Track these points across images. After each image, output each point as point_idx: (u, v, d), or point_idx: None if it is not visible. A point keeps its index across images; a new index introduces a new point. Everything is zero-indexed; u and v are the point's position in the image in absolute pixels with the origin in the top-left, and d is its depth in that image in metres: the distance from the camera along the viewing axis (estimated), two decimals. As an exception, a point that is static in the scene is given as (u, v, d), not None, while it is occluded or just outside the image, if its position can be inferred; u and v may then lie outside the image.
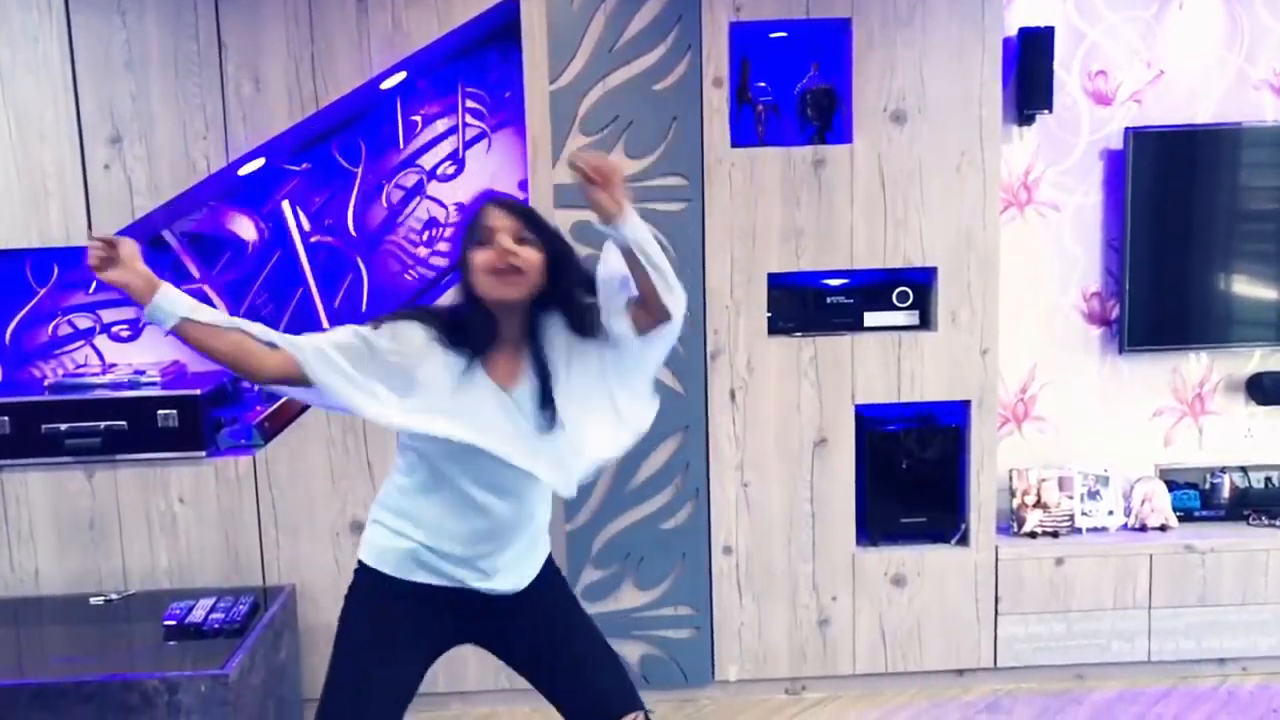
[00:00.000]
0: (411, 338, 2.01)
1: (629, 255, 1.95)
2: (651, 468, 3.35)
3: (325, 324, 3.65)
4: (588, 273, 2.07)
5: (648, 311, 2.01)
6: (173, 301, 2.00)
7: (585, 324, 2.07)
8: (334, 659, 2.15)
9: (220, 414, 3.43)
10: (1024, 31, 3.47)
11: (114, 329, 3.65)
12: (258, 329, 2.02)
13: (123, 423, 3.25)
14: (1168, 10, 3.58)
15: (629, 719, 2.14)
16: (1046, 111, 3.52)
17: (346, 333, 2.01)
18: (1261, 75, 3.62)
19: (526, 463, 2.01)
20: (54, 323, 3.63)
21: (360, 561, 2.20)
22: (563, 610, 2.23)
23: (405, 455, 2.13)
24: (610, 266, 2.03)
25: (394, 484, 2.16)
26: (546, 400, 2.04)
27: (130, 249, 2.01)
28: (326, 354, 1.97)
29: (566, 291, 2.05)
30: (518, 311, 2.04)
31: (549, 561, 2.26)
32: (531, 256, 1.99)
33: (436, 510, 2.08)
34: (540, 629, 2.19)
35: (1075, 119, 3.62)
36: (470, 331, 2.03)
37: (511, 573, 2.14)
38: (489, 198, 2.06)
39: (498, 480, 2.04)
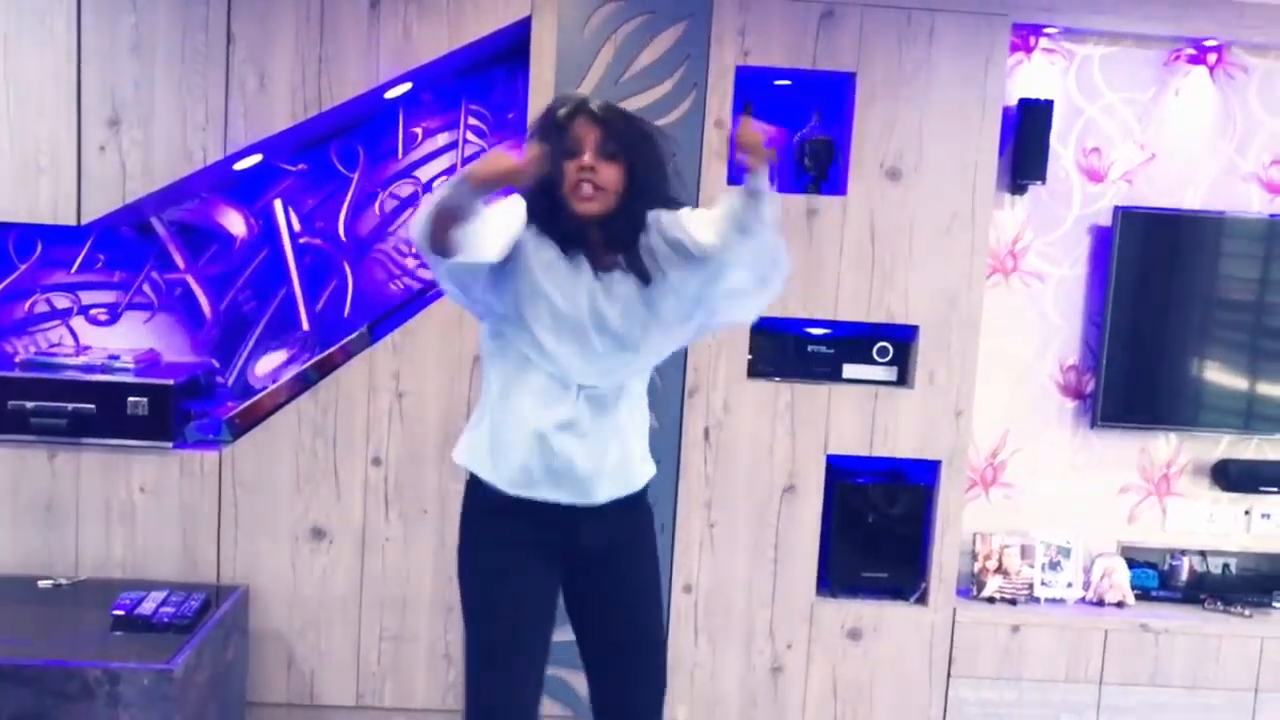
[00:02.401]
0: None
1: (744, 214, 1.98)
2: (619, 499, 3.34)
3: (305, 325, 3.63)
4: (664, 191, 2.09)
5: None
6: None
7: (661, 237, 2.07)
8: (470, 590, 2.18)
9: (191, 406, 3.40)
10: (1024, 102, 3.52)
11: (92, 311, 3.62)
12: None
13: (91, 406, 3.22)
14: (1164, 95, 3.65)
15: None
16: (1039, 182, 3.57)
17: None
18: (1250, 168, 3.68)
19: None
20: (31, 299, 3.60)
21: (472, 476, 2.18)
22: (636, 579, 2.24)
23: (492, 359, 2.16)
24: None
25: (486, 408, 2.17)
26: (644, 286, 2.07)
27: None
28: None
29: (644, 201, 2.06)
30: (599, 221, 2.04)
31: (647, 512, 2.27)
32: (611, 174, 2.01)
33: (530, 398, 2.09)
34: (611, 597, 2.21)
35: (1067, 192, 3.67)
36: (563, 230, 2.05)
37: (606, 481, 2.13)
38: (581, 104, 2.04)
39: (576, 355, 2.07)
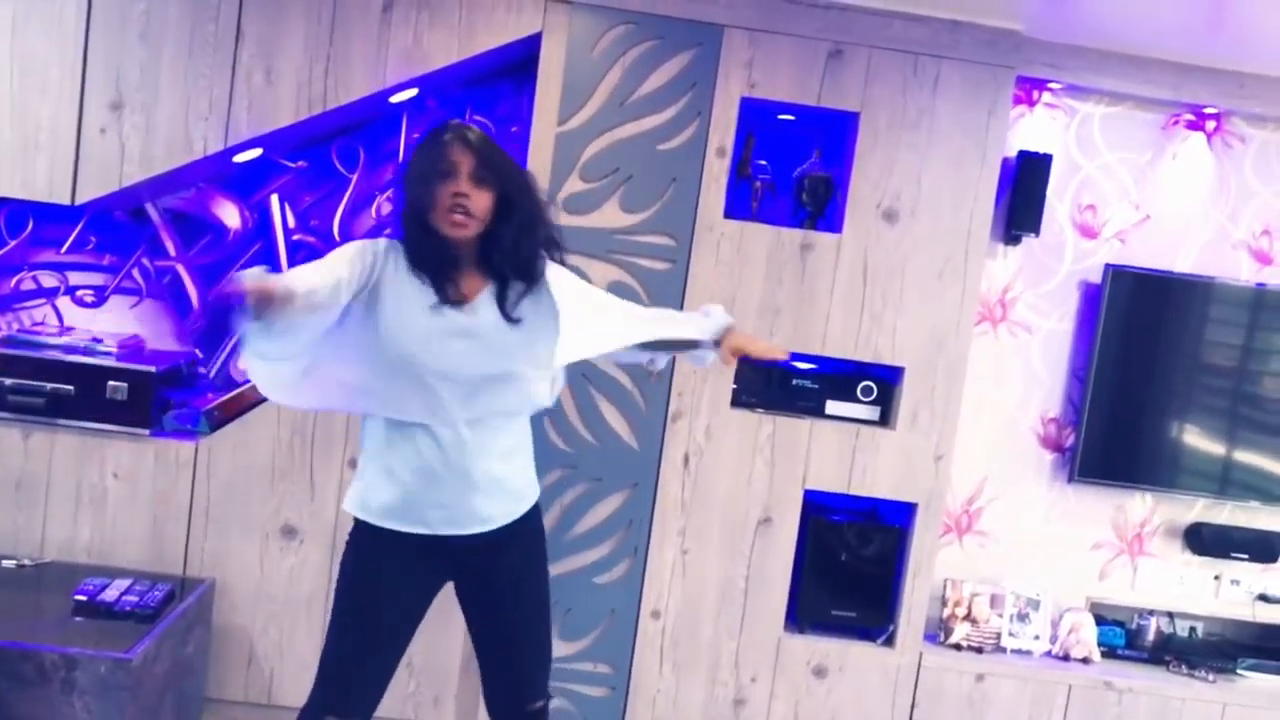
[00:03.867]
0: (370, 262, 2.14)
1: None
2: (594, 520, 3.33)
3: (293, 323, 3.62)
4: (538, 217, 2.18)
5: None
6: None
7: (527, 268, 2.18)
8: (337, 594, 2.29)
9: (171, 395, 3.38)
10: (1023, 154, 3.55)
11: (79, 293, 3.60)
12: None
13: (70, 387, 3.20)
14: (1162, 158, 3.69)
15: (537, 704, 2.34)
16: (1033, 235, 3.59)
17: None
18: (1241, 236, 3.72)
19: (494, 364, 2.15)
20: (18, 276, 3.58)
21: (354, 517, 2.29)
22: (527, 582, 2.35)
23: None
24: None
25: (365, 438, 2.28)
26: (502, 303, 2.17)
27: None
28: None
29: (514, 231, 2.14)
30: (471, 245, 2.14)
31: (534, 520, 2.36)
32: (483, 200, 2.09)
33: (399, 448, 2.18)
34: (498, 591, 2.30)
35: (1060, 247, 3.70)
36: (429, 259, 2.13)
37: (478, 515, 2.23)
38: (452, 128, 2.12)
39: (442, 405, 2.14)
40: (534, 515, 2.36)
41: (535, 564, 2.38)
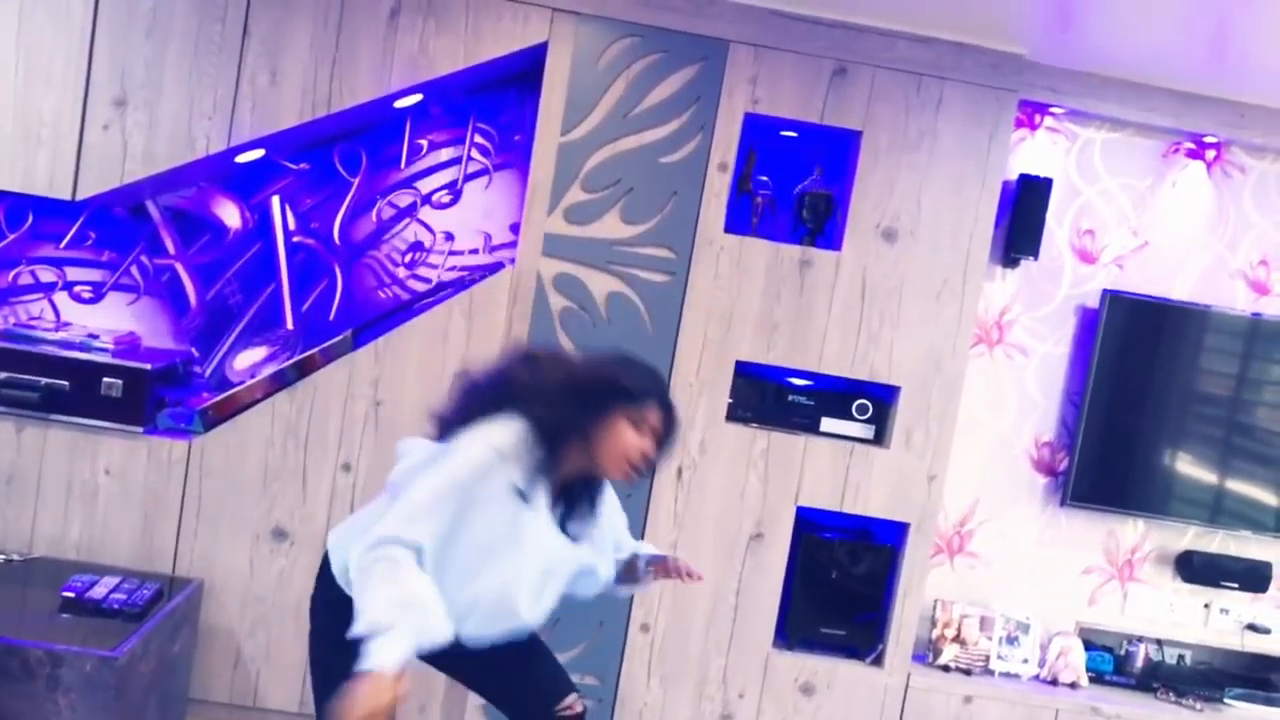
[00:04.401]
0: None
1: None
2: (585, 530, 3.32)
3: (289, 324, 3.62)
4: None
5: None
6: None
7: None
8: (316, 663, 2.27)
9: (166, 393, 3.37)
10: (1024, 178, 3.56)
11: (76, 288, 3.59)
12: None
13: (65, 383, 3.19)
14: (1161, 186, 3.71)
15: (567, 700, 2.28)
16: (1032, 258, 3.60)
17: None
18: (1239, 265, 3.73)
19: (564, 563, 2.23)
20: (16, 270, 3.57)
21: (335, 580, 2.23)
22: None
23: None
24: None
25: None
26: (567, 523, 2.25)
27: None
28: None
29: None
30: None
31: None
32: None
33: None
34: (489, 652, 2.24)
35: (1058, 271, 3.71)
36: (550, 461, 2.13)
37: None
38: (666, 397, 2.19)
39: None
40: None
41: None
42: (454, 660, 2.24)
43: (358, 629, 1.88)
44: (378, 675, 1.83)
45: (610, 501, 2.38)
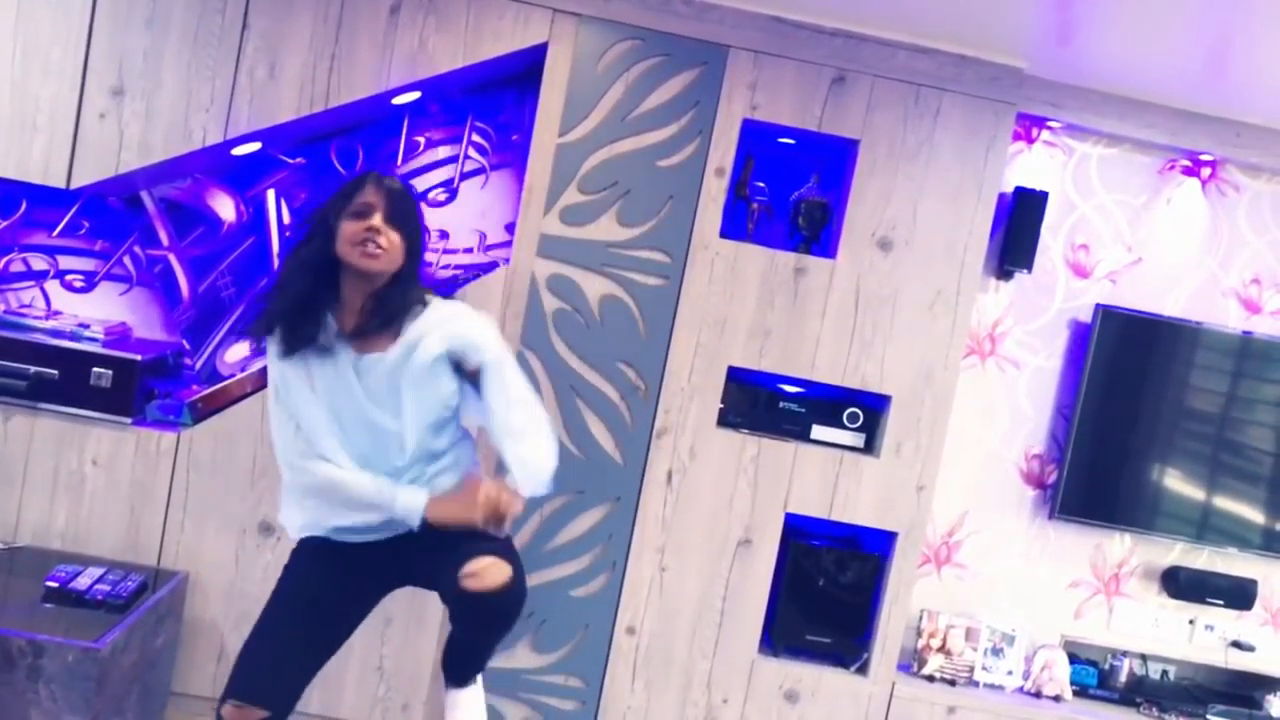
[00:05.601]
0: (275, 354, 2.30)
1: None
2: (574, 532, 3.32)
3: (282, 319, 3.60)
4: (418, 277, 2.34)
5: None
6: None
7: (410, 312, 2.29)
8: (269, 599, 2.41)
9: (155, 385, 3.36)
10: (1019, 190, 3.57)
11: (68, 277, 3.58)
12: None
13: (54, 372, 3.17)
14: (1156, 202, 3.72)
15: (469, 567, 2.15)
16: (1026, 271, 3.61)
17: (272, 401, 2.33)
18: (1232, 283, 3.75)
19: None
20: (8, 257, 3.55)
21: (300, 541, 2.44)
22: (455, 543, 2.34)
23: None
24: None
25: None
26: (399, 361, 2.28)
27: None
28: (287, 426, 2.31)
29: (409, 280, 2.29)
30: (376, 281, 2.25)
31: None
32: (395, 238, 2.23)
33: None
34: (435, 550, 2.29)
35: (1051, 284, 3.71)
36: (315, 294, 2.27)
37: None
38: (372, 174, 2.28)
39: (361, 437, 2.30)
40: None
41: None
42: (412, 567, 2.38)
43: (385, 507, 2.25)
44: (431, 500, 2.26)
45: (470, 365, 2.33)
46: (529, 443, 2.28)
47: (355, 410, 2.26)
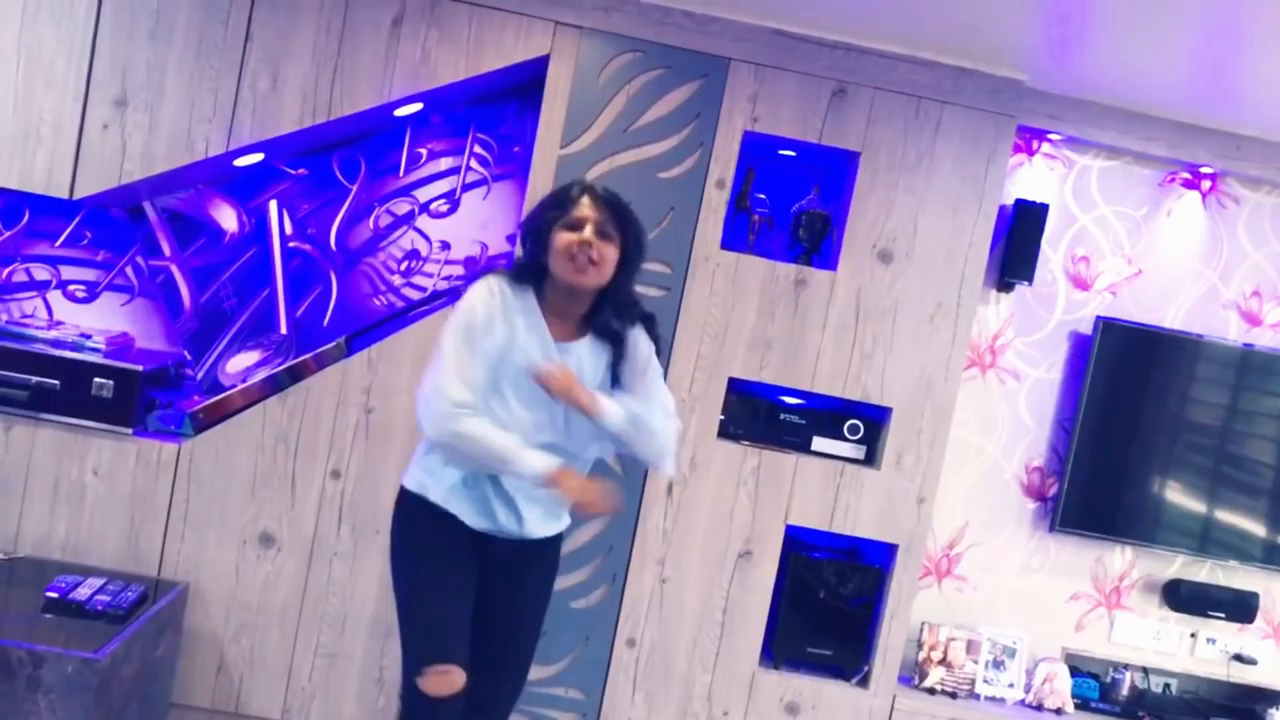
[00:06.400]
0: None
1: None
2: (574, 544, 3.31)
3: (283, 329, 3.61)
4: (632, 290, 2.43)
5: None
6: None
7: (625, 319, 2.38)
8: (405, 567, 2.44)
9: (157, 395, 3.36)
10: (1020, 203, 3.58)
11: (70, 287, 3.58)
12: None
13: (55, 382, 3.18)
14: (1157, 215, 3.72)
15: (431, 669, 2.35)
16: (1026, 283, 3.61)
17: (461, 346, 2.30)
18: (1232, 296, 3.75)
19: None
20: (10, 268, 3.56)
21: (405, 489, 2.46)
22: (535, 599, 2.54)
23: None
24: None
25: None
26: (614, 376, 2.41)
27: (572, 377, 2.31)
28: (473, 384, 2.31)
29: (626, 289, 2.38)
30: (588, 294, 2.33)
31: (559, 543, 2.57)
32: (609, 252, 2.27)
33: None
34: (512, 598, 2.45)
35: (1052, 296, 3.72)
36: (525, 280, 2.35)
37: (539, 522, 2.43)
38: (586, 185, 2.34)
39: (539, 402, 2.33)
40: (559, 540, 2.59)
41: (548, 586, 2.59)
42: (494, 582, 2.46)
43: (515, 470, 2.26)
44: (555, 470, 2.25)
45: (636, 370, 2.44)
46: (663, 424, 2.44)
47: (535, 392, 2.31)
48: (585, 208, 2.27)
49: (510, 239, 3.63)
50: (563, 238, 2.25)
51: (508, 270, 2.38)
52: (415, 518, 2.44)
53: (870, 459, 3.45)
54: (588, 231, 2.25)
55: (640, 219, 2.39)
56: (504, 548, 2.44)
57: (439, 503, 2.39)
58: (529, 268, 2.36)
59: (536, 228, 2.33)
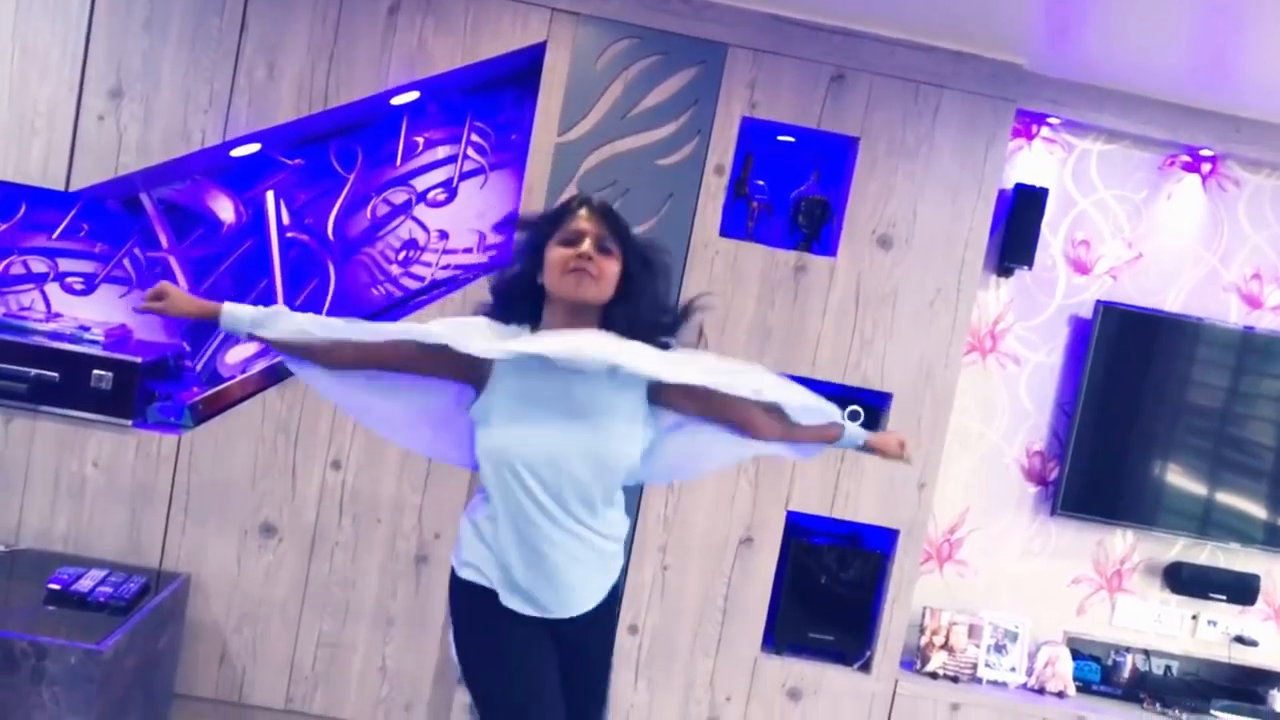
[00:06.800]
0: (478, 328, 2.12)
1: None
2: (575, 531, 3.31)
3: (282, 320, 3.60)
4: (662, 298, 2.18)
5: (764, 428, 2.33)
6: (236, 320, 2.23)
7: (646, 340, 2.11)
8: (484, 673, 2.19)
9: (156, 387, 3.36)
10: (1019, 187, 3.57)
11: (68, 279, 3.57)
12: (345, 331, 2.16)
13: (55, 374, 3.17)
14: (1157, 198, 3.71)
15: None
16: (1026, 268, 3.60)
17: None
18: (1232, 278, 3.74)
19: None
20: (7, 260, 3.55)
21: (459, 580, 2.21)
22: (600, 663, 2.36)
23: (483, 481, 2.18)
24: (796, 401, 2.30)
25: (474, 520, 2.20)
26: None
27: (167, 287, 2.24)
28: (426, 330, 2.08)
29: (633, 304, 2.11)
30: (591, 312, 2.09)
31: (615, 594, 2.34)
32: (608, 266, 2.07)
33: (511, 524, 2.12)
34: (575, 660, 2.25)
35: (1052, 280, 3.71)
36: (517, 309, 2.15)
37: (581, 592, 2.19)
38: (584, 198, 2.16)
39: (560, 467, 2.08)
40: (615, 595, 2.37)
41: (609, 645, 2.42)
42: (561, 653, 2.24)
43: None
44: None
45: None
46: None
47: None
48: (583, 220, 2.09)
49: (497, 228, 3.61)
50: (558, 252, 2.06)
51: (492, 308, 2.18)
52: (475, 614, 2.20)
53: (871, 445, 3.44)
54: (586, 245, 2.06)
55: (646, 233, 2.31)
56: (559, 628, 2.21)
57: (488, 585, 2.16)
58: (519, 295, 2.15)
59: (530, 244, 2.14)
